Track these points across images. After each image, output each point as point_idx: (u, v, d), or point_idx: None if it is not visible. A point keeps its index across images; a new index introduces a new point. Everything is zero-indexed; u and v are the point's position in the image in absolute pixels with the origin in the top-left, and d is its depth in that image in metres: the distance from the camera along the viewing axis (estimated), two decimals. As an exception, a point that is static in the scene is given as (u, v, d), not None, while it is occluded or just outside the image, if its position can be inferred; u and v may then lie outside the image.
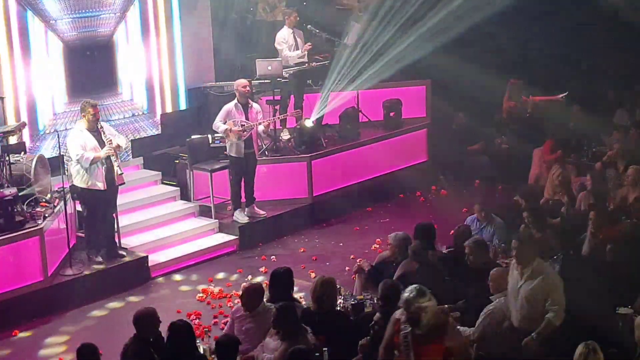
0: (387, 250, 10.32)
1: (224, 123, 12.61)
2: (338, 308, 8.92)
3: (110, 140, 11.31)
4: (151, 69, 14.24)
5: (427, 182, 15.18)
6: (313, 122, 14.01)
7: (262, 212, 13.21)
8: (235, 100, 12.74)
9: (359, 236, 13.30)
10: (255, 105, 12.93)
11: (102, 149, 11.24)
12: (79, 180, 11.33)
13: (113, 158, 11.35)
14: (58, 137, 11.35)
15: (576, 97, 15.65)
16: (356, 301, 9.25)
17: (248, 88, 12.77)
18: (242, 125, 12.61)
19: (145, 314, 8.25)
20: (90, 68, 13.61)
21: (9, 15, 12.56)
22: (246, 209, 13.07)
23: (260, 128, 13.00)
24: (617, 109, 15.86)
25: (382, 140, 15.00)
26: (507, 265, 9.45)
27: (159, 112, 14.47)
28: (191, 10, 14.64)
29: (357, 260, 10.52)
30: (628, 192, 11.69)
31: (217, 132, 13.01)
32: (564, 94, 14.71)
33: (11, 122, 12.33)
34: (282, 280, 9.01)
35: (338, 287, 8.99)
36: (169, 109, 14.58)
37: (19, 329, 10.56)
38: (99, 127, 11.35)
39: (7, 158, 11.21)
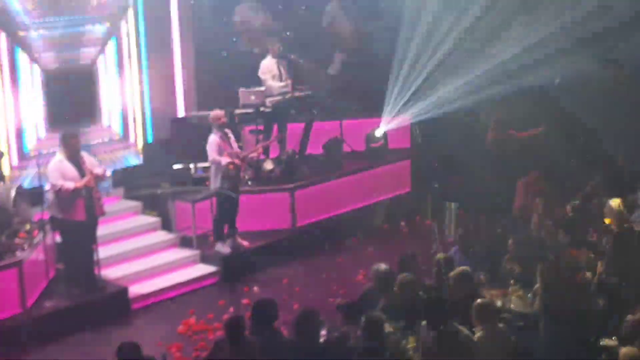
0: (371, 282, 10.23)
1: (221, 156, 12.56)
2: (321, 340, 8.80)
3: (91, 171, 11.23)
4: (132, 98, 14.15)
5: (411, 213, 15.12)
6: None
7: (245, 242, 13.11)
8: (219, 132, 12.66)
9: (343, 267, 13.19)
10: (231, 134, 12.90)
11: (82, 179, 11.15)
12: (59, 210, 11.21)
13: (93, 188, 11.26)
14: (38, 167, 11.26)
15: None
16: (339, 333, 9.13)
17: (224, 119, 12.72)
18: (237, 157, 12.58)
19: (129, 347, 8.11)
20: (72, 100, 13.43)
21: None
22: (228, 240, 12.96)
23: (251, 156, 13.06)
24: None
25: (366, 170, 14.95)
26: (492, 296, 9.42)
27: (140, 142, 14.37)
28: (175, 40, 14.61)
29: (337, 300, 10.37)
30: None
31: (204, 162, 12.90)
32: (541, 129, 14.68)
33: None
34: (265, 312, 8.89)
35: (321, 319, 8.89)
36: (150, 138, 14.49)
37: (-4, 362, 10.41)
38: (80, 157, 11.27)
39: (-15, 189, 11.12)
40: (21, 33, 12.82)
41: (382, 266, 10.03)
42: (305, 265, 13.39)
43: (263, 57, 14.67)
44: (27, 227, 11.37)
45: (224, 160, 12.53)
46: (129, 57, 14.07)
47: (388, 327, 8.89)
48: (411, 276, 9.73)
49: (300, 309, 8.85)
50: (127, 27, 13.95)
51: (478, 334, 8.57)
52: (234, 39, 15.75)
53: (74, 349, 10.83)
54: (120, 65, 13.95)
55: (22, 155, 13.02)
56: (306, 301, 11.53)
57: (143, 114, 14.34)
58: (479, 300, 8.91)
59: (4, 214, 11.10)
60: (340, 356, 8.61)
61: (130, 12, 13.84)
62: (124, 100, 14.07)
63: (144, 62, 14.22)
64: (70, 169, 11.17)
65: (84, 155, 11.45)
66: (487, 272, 10.68)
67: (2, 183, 11.63)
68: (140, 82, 14.19)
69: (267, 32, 15.45)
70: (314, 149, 14.72)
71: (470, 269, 10.60)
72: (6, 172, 12.46)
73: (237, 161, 12.58)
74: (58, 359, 10.53)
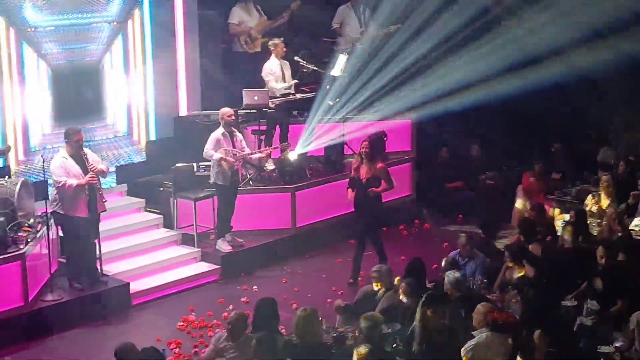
0: (370, 283, 10.33)
1: (216, 151, 12.64)
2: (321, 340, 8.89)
3: (94, 167, 11.30)
4: (137, 96, 14.22)
5: (410, 216, 15.21)
6: (297, 155, 14.01)
7: (240, 240, 13.19)
8: (222, 129, 12.78)
9: (342, 268, 13.25)
10: (238, 134, 13.00)
11: (85, 175, 11.24)
12: (61, 206, 11.29)
13: (96, 185, 11.34)
14: (43, 161, 11.35)
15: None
16: (337, 334, 9.23)
17: (233, 117, 12.84)
18: (234, 155, 12.67)
19: (125, 349, 8.18)
20: (78, 97, 13.44)
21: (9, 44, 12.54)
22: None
23: (256, 156, 13.21)
24: (600, 147, 15.96)
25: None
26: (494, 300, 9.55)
27: (143, 139, 14.45)
28: (180, 39, 14.69)
29: (335, 302, 10.42)
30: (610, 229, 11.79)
31: (207, 161, 13.00)
32: None
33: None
34: (266, 310, 8.99)
35: (320, 319, 8.97)
36: (154, 136, 14.57)
37: (-2, 354, 10.49)
38: (83, 153, 11.35)
39: (-9, 181, 11.19)
40: (29, 29, 12.83)
41: (385, 266, 10.15)
42: (304, 265, 13.48)
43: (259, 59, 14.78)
44: (31, 221, 11.44)
45: (217, 155, 12.62)
46: (135, 55, 14.14)
47: (385, 329, 8.99)
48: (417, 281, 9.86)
49: (300, 308, 8.85)
50: (134, 26, 14.03)
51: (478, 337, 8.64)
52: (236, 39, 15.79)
53: (74, 343, 10.93)
54: (126, 63, 14.03)
55: (28, 150, 13.06)
56: (305, 301, 11.63)
57: (147, 112, 14.41)
58: (481, 304, 8.97)
59: (8, 207, 11.16)
60: (338, 356, 8.71)
61: (137, 12, 13.92)
62: (129, 98, 14.15)
63: (149, 61, 14.29)
64: (74, 166, 11.26)
65: (87, 151, 11.53)
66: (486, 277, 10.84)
67: (7, 177, 11.69)
68: (145, 80, 14.26)
69: (265, 34, 15.48)
70: (316, 150, 14.78)
71: (469, 272, 10.80)
72: (12, 166, 12.53)
73: (229, 159, 12.67)
74: (59, 352, 10.64)
